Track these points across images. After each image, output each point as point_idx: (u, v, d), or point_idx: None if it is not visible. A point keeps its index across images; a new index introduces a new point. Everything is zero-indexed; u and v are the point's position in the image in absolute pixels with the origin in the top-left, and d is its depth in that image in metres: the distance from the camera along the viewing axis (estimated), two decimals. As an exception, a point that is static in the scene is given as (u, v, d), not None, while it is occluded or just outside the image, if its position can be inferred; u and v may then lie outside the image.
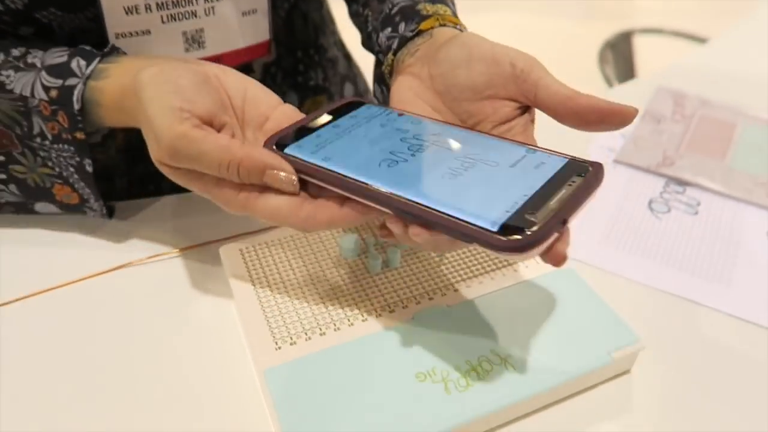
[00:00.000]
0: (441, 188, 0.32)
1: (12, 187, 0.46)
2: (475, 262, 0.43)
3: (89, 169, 0.43)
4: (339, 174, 0.33)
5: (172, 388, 0.37)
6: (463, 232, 0.29)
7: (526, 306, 0.40)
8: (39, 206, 0.47)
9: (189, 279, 0.45)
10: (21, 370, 0.38)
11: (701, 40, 1.35)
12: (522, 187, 0.31)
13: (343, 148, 0.36)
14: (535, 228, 0.28)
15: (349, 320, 0.39)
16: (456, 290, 0.41)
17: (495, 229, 0.29)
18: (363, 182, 0.32)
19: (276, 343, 0.37)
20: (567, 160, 0.33)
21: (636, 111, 0.34)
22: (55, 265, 0.45)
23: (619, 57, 1.46)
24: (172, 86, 0.36)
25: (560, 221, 0.29)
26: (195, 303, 0.43)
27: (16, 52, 0.42)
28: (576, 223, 0.51)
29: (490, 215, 0.29)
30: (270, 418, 0.35)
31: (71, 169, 0.44)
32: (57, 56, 0.41)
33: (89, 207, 0.47)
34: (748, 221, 0.53)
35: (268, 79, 0.60)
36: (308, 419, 0.33)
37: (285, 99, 0.61)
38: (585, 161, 0.33)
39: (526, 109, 0.38)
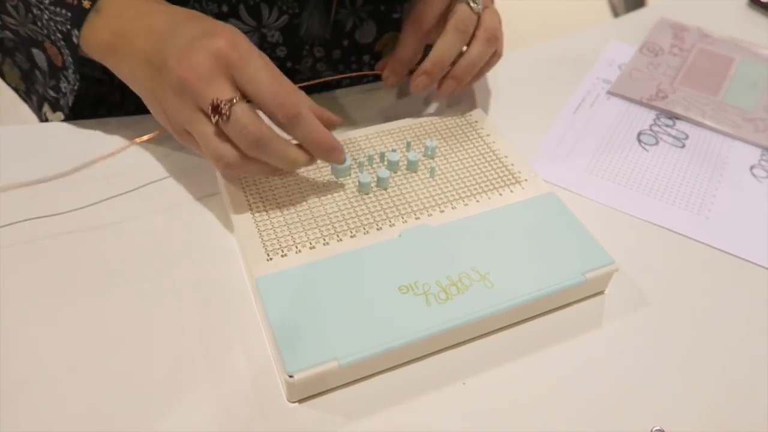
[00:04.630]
0: None
1: (6, 33, 0.49)
2: (462, 186, 0.45)
3: (75, 41, 0.44)
4: None
5: (175, 302, 0.40)
6: None
7: (507, 228, 0.42)
8: (35, 52, 0.50)
9: (188, 201, 0.46)
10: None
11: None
12: None
13: None
14: None
15: (338, 236, 0.41)
16: (442, 211, 0.43)
17: None
18: None
19: (267, 255, 0.39)
20: None
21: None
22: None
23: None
24: None
25: None
26: (193, 223, 0.45)
27: None
28: (563, 152, 0.52)
29: None
30: (261, 323, 0.38)
31: (59, 35, 0.45)
32: None
33: (66, 76, 0.49)
34: (734, 156, 0.54)
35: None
36: (297, 323, 0.35)
37: (363, 27, 0.58)
38: None
39: None
